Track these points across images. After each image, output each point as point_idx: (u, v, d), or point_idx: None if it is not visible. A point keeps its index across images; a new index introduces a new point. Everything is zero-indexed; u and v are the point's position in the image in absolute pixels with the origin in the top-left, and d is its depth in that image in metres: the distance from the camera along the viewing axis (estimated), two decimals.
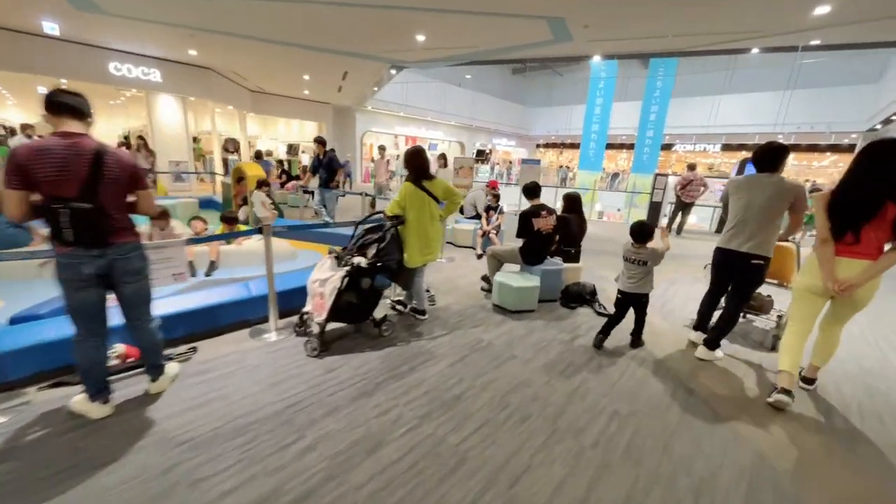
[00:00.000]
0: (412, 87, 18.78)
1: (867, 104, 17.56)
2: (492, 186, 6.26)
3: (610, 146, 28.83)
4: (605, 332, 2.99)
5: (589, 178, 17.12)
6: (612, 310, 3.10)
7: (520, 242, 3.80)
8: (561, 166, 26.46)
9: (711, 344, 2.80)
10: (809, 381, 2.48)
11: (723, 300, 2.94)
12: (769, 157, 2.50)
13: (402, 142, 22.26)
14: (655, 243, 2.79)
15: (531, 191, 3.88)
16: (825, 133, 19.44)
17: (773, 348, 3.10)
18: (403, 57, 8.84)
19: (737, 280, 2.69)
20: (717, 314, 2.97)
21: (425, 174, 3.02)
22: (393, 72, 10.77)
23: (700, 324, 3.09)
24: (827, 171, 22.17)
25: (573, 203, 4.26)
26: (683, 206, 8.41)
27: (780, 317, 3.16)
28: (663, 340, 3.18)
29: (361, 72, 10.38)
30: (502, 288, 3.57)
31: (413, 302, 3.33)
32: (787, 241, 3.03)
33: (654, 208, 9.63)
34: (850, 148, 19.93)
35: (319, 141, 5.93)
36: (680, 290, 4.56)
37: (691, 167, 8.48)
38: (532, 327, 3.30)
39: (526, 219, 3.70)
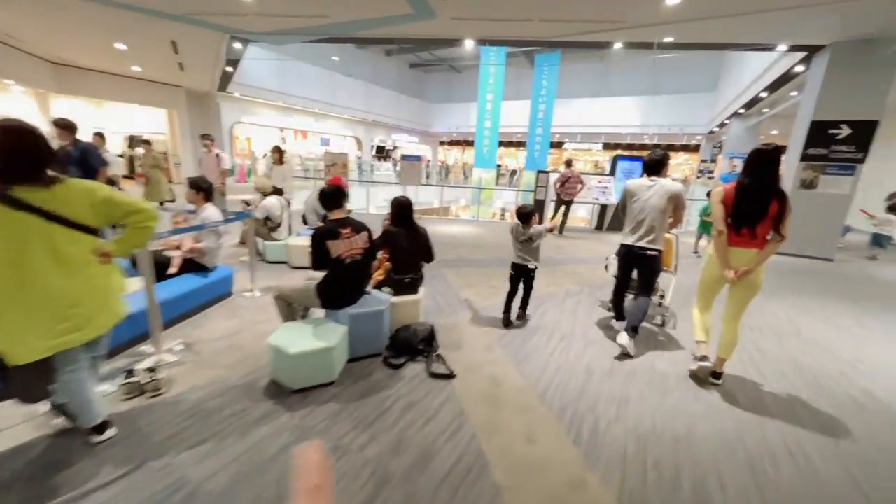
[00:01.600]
0: (292, 74, 16.41)
1: (708, 110, 20.13)
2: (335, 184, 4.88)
3: (509, 143, 29.62)
4: (507, 309, 3.39)
5: (484, 175, 16.78)
6: (453, 367, 2.62)
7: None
8: (465, 163, 26.13)
9: (631, 332, 2.93)
10: (717, 375, 2.60)
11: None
12: (657, 163, 2.95)
13: (291, 136, 19.66)
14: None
15: (330, 198, 2.63)
16: (679, 134, 21.93)
17: (663, 325, 3.59)
18: (237, 25, 6.93)
19: (640, 271, 3.05)
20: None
21: (28, 171, 1.44)
22: (237, 45, 8.68)
23: (618, 313, 3.34)
24: (680, 168, 25.26)
25: (401, 212, 3.10)
26: (563, 204, 8.05)
27: (661, 296, 3.62)
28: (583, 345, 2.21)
29: (194, 43, 8.12)
30: (277, 355, 2.25)
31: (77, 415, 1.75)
32: (668, 233, 3.21)
33: (539, 207, 9.25)
34: (696, 147, 22.88)
35: (62, 125, 3.88)
36: (551, 308, 3.78)
37: (568, 164, 8.13)
38: (308, 424, 2.02)
39: (318, 242, 2.43)
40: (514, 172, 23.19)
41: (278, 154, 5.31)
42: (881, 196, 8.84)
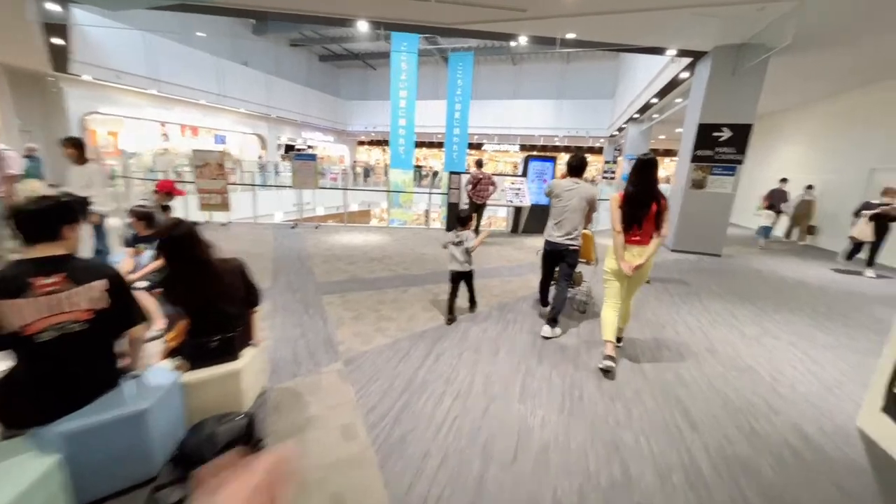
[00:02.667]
0: (166, 56, 13.73)
1: (608, 115, 21.63)
2: (163, 190, 3.53)
3: (430, 144, 29.04)
4: (450, 310, 3.55)
5: (401, 176, 15.83)
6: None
7: None
8: (388, 164, 24.83)
9: (552, 323, 3.30)
10: (618, 339, 3.02)
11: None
12: (578, 165, 3.34)
13: (178, 132, 16.60)
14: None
15: (31, 221, 1.46)
16: (585, 137, 23.29)
17: (584, 312, 3.91)
18: None
19: (563, 263, 3.35)
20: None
21: None
22: (52, 7, 6.56)
23: (544, 300, 3.72)
24: (588, 170, 27.02)
25: (175, 248, 1.91)
26: (476, 208, 7.46)
27: (589, 286, 4.10)
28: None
29: None
30: None
31: None
32: (587, 229, 3.63)
33: (452, 210, 8.58)
34: (600, 149, 24.59)
35: None
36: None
37: (479, 164, 7.54)
38: None
39: None
40: (436, 174, 22.59)
41: (74, 149, 3.66)
42: (758, 194, 9.81)
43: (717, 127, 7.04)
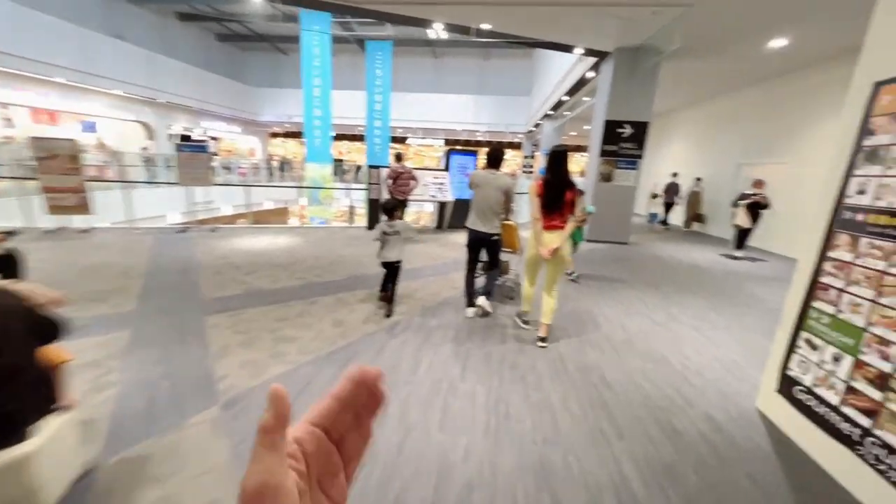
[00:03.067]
0: (5, 20, 10.84)
1: (526, 111, 22.58)
2: None
3: (353, 137, 27.63)
4: (386, 299, 3.60)
5: (319, 171, 14.67)
6: None
7: None
8: (283, 158, 22.93)
9: (487, 296, 3.63)
10: (544, 339, 3.09)
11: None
12: (495, 157, 3.43)
13: (26, 116, 13.30)
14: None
15: None
16: (505, 132, 24.07)
17: (512, 298, 4.12)
18: None
19: (487, 251, 3.55)
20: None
21: None
22: None
23: (470, 295, 3.61)
24: (508, 164, 28.12)
25: None
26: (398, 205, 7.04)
27: (517, 274, 4.21)
28: None
29: None
30: None
31: None
32: (509, 220, 3.77)
33: (372, 207, 8.04)
34: (519, 145, 25.69)
35: None
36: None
37: (398, 158, 7.11)
38: None
39: None
40: (359, 168, 21.52)
41: None
42: (651, 187, 10.83)
43: (621, 124, 7.51)
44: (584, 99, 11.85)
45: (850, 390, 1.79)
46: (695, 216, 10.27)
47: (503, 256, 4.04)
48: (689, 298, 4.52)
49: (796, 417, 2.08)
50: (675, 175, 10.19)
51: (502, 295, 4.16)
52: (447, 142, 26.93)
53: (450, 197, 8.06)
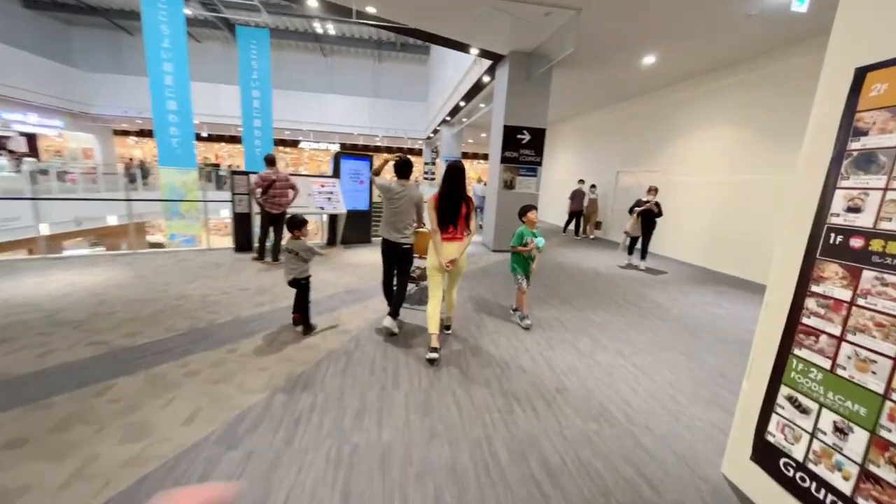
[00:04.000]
0: None
1: (424, 117, 22.24)
2: None
3: (232, 139, 23.82)
4: (305, 321, 3.36)
5: (178, 178, 11.86)
6: None
7: None
8: (142, 162, 18.71)
9: (394, 314, 3.41)
10: (448, 327, 3.48)
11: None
12: (405, 167, 3.29)
13: None
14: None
15: None
16: (404, 138, 23.38)
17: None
18: None
19: (397, 261, 3.42)
20: None
21: None
22: None
23: (389, 298, 3.54)
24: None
25: None
26: (273, 222, 5.59)
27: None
28: None
29: None
30: None
31: None
32: (422, 228, 3.64)
33: (242, 223, 6.36)
34: (419, 151, 25.30)
35: None
36: None
37: (270, 161, 5.66)
38: None
39: None
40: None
41: None
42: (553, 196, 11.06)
43: (520, 130, 7.29)
44: (481, 105, 11.74)
45: (870, 478, 1.31)
46: (594, 224, 10.37)
47: (420, 263, 4.20)
48: (603, 315, 4.23)
49: (786, 500, 1.59)
50: (581, 182, 10.13)
51: (423, 301, 4.04)
52: (343, 146, 25.13)
53: (342, 208, 6.87)
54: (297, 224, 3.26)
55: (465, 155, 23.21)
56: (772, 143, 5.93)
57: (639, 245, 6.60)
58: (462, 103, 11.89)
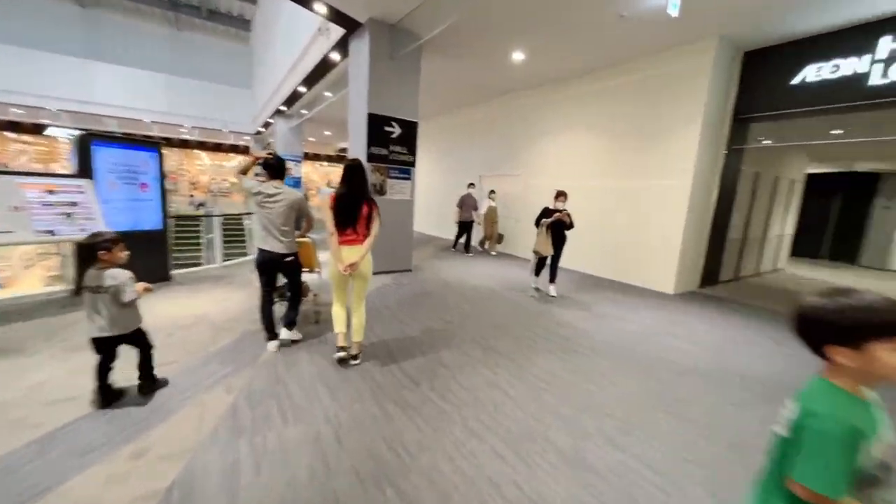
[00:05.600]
0: None
1: (250, 107, 18.13)
2: None
3: None
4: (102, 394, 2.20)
5: None
6: None
7: None
8: None
9: (290, 326, 3.16)
10: (356, 356, 2.93)
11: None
12: (277, 167, 2.94)
13: None
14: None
15: None
16: (224, 132, 18.65)
17: (317, 322, 3.70)
18: None
19: (285, 274, 3.10)
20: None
21: None
22: None
23: (269, 327, 3.09)
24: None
25: None
26: None
27: (315, 294, 3.76)
28: None
29: None
30: None
31: None
32: (306, 237, 3.42)
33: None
34: (246, 150, 20.70)
35: None
36: None
37: None
38: None
39: None
40: None
41: None
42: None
43: (388, 121, 5.81)
44: (327, 94, 9.70)
45: None
46: (495, 236, 8.44)
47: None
48: (537, 358, 3.20)
49: None
50: (471, 186, 8.32)
51: (305, 320, 3.55)
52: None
53: (100, 225, 3.95)
54: (103, 246, 2.12)
55: (307, 156, 20.11)
56: (632, 151, 6.21)
57: (549, 264, 5.12)
58: (302, 89, 9.59)
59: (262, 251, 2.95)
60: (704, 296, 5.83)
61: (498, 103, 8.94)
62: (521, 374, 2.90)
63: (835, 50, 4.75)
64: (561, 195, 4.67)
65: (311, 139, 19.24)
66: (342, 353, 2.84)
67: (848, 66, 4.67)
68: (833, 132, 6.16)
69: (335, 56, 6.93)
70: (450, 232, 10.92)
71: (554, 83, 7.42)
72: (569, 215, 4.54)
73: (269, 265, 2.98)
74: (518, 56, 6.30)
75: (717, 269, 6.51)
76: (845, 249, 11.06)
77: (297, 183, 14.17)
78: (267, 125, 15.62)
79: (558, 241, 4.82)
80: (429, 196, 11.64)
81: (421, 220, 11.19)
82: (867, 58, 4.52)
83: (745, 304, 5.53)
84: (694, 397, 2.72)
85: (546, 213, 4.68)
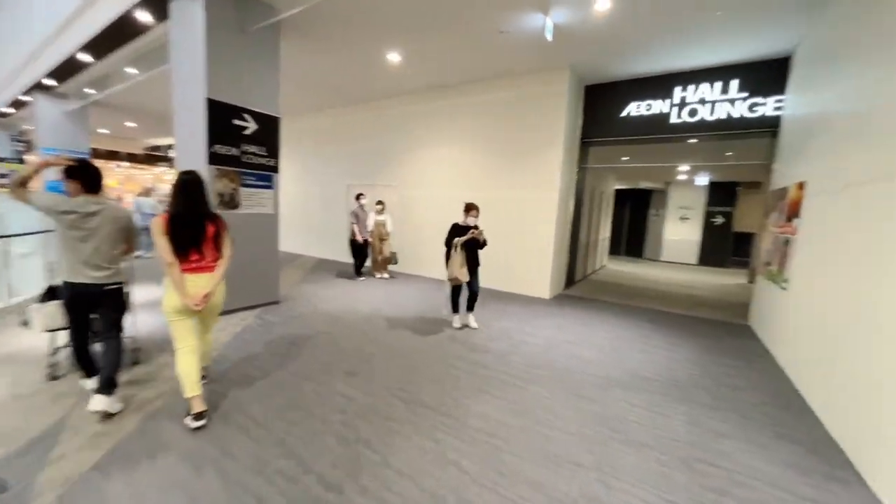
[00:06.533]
0: None
1: None
2: None
3: None
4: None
5: None
6: None
7: None
8: None
9: (109, 389, 2.28)
10: (204, 377, 2.60)
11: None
12: (94, 176, 2.35)
13: None
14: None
15: None
16: None
17: (138, 362, 3.02)
18: None
19: (103, 311, 2.44)
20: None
21: None
22: None
23: (88, 367, 2.51)
24: None
25: None
26: None
27: (133, 338, 3.06)
28: None
29: None
30: None
31: None
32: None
33: None
34: None
35: None
36: None
37: None
38: None
39: None
40: None
41: None
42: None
43: (238, 112, 4.43)
44: (131, 71, 7.10)
45: None
46: (386, 256, 7.11)
47: None
48: (472, 405, 2.74)
49: None
50: (360, 197, 6.98)
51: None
52: None
53: None
54: None
55: (98, 153, 14.72)
56: (507, 166, 6.46)
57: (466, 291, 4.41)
58: (85, 57, 6.76)
59: (72, 285, 2.35)
60: (570, 297, 6.50)
61: (375, 107, 8.21)
62: (466, 433, 2.36)
63: (648, 92, 5.93)
64: (472, 209, 4.05)
65: (102, 131, 14.34)
66: (201, 422, 2.22)
67: (657, 106, 5.90)
68: (623, 158, 8.15)
69: (144, 16, 4.98)
70: (318, 250, 9.57)
71: (430, 92, 7.21)
72: (481, 232, 4.05)
73: (83, 303, 2.40)
74: (394, 57, 5.80)
75: (573, 272, 7.42)
76: (635, 247, 14.56)
77: None
78: (20, 103, 10.68)
79: (473, 263, 4.16)
80: (295, 206, 9.96)
81: (281, 235, 9.42)
82: (668, 101, 5.79)
83: (600, 300, 6.38)
84: (627, 414, 2.70)
85: (457, 230, 4.03)
